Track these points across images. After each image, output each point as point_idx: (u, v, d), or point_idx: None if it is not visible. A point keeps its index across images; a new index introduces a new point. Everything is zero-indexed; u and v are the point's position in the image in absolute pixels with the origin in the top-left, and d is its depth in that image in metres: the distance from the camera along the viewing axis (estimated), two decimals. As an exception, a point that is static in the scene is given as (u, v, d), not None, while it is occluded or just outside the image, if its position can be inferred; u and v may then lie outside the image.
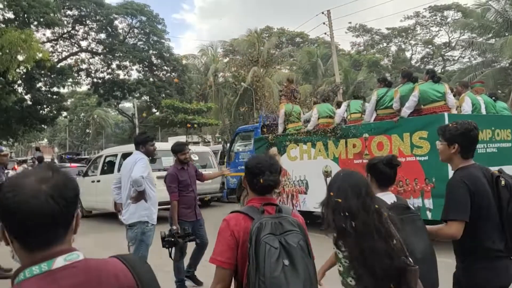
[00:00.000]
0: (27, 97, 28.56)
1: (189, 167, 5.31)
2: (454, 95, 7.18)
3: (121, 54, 27.84)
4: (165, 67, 29.05)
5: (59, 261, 0.99)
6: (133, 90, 30.77)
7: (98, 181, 11.45)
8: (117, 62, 29.91)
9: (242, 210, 1.99)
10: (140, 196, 4.45)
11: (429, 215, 6.32)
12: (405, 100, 6.91)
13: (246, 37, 39.19)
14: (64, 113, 31.04)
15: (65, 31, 28.91)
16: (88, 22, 28.16)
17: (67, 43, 30.41)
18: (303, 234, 1.84)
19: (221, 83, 41.97)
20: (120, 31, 28.49)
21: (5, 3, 19.25)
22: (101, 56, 29.90)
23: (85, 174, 12.42)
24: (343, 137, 7.64)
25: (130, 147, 10.56)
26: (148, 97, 30.46)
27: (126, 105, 61.93)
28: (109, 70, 30.48)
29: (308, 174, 8.35)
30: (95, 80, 30.81)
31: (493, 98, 7.98)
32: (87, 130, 70.83)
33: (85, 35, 29.16)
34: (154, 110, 34.49)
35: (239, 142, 11.75)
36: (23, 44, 13.72)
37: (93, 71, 30.66)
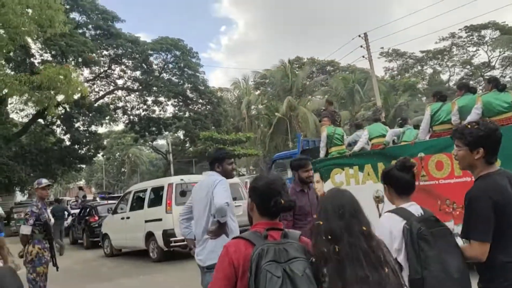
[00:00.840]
0: (66, 137, 28.87)
1: (309, 190, 4.34)
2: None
3: (157, 89, 27.86)
4: (200, 100, 28.82)
5: None
6: (169, 125, 30.60)
7: (128, 217, 11.09)
8: (153, 98, 30.00)
9: (244, 236, 1.85)
10: (221, 229, 3.40)
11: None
12: (464, 112, 6.38)
13: (278, 67, 38.99)
14: (101, 152, 31.14)
15: (102, 70, 29.38)
16: (124, 60, 28.51)
17: (103, 82, 30.88)
18: (310, 261, 1.71)
19: (254, 115, 41.65)
20: (155, 67, 28.67)
21: (43, 44, 19.61)
22: (137, 93, 30.09)
23: (114, 211, 12.08)
24: (395, 158, 6.54)
25: (159, 181, 11.57)
26: (184, 131, 30.19)
27: (160, 142, 62.68)
28: (145, 107, 30.60)
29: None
30: (131, 117, 30.94)
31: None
32: (123, 169, 71.74)
33: (121, 73, 29.51)
34: (187, 145, 34.26)
35: (277, 171, 10.85)
36: (63, 80, 13.52)
37: (129, 109, 30.86)
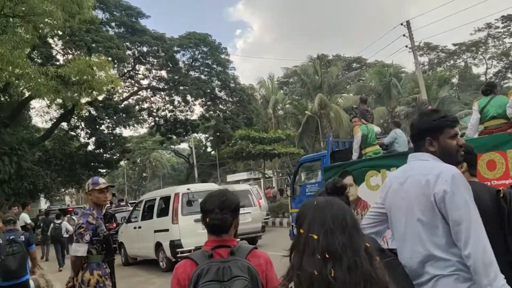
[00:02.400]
0: (90, 141, 27.72)
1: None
2: None
3: (185, 88, 26.38)
4: (231, 98, 27.19)
5: None
6: (196, 126, 29.13)
7: (139, 227, 10.93)
8: (179, 99, 28.57)
9: (190, 256, 1.87)
10: None
11: None
12: None
13: (307, 64, 37.30)
14: (127, 156, 29.90)
15: (126, 71, 28.12)
16: (148, 59, 27.18)
17: (127, 84, 29.60)
18: (252, 279, 1.71)
19: (281, 115, 40.01)
20: (182, 64, 27.18)
21: (68, 39, 18.36)
22: (163, 93, 28.74)
23: (128, 220, 11.85)
24: None
25: (167, 190, 11.48)
26: (213, 131, 28.68)
27: (181, 146, 61.72)
28: (171, 107, 29.15)
29: None
30: (157, 119, 29.58)
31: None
32: (144, 174, 70.99)
33: (146, 72, 28.19)
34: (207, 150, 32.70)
35: (304, 174, 10.78)
36: (93, 72, 12.08)
37: (154, 110, 29.48)
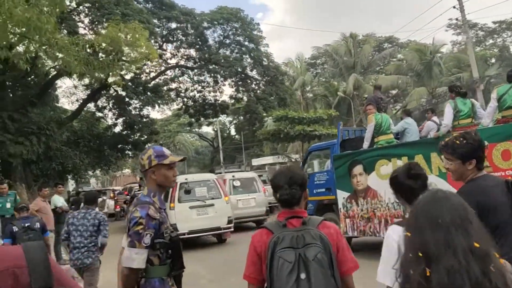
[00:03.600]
0: (119, 121, 26.97)
1: None
2: None
3: (214, 67, 25.13)
4: (263, 78, 25.75)
5: None
6: (226, 107, 27.95)
7: None
8: (209, 79, 27.39)
9: (266, 225, 1.99)
10: None
11: None
12: None
13: (339, 42, 35.57)
14: (155, 137, 29.09)
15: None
16: (177, 36, 25.98)
17: (154, 63, 28.55)
18: (324, 247, 1.80)
19: (310, 97, 38.48)
20: (211, 41, 25.87)
21: (96, 13, 17.32)
22: (192, 72, 27.61)
23: None
24: None
25: None
26: (243, 113, 27.47)
27: (204, 130, 60.97)
28: (200, 88, 28.02)
29: None
30: (185, 99, 28.53)
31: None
32: (168, 157, 70.71)
33: (175, 51, 27.04)
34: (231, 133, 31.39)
35: (315, 162, 11.00)
36: (129, 40, 10.94)
37: (182, 90, 28.41)
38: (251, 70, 26.01)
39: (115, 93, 26.31)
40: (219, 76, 26.45)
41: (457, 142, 2.24)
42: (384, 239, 2.00)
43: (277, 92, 24.56)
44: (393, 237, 1.87)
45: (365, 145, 7.89)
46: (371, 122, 7.80)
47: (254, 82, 26.26)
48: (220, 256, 9.67)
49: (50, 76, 21.76)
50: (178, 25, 24.61)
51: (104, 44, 11.02)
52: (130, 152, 27.28)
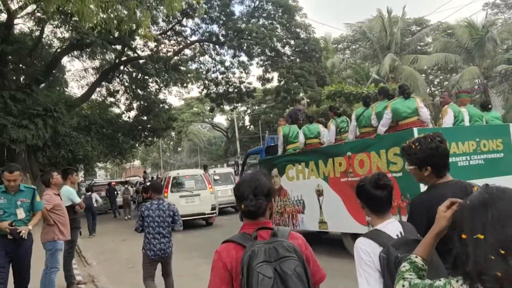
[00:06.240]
0: (134, 105, 24.28)
1: None
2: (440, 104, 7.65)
3: (240, 45, 22.16)
4: (299, 55, 22.66)
5: None
6: (253, 90, 25.04)
7: None
8: (232, 59, 24.47)
9: (233, 239, 1.82)
10: None
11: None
12: (381, 117, 6.81)
13: (374, 19, 32.51)
14: (173, 124, 26.36)
15: (170, 26, 24.14)
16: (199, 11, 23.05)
17: (172, 42, 25.66)
18: (300, 259, 1.72)
19: (339, 80, 35.50)
20: (239, 14, 22.87)
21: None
22: (213, 52, 24.71)
23: None
24: (331, 155, 7.65)
25: (168, 173, 15.56)
26: (274, 94, 24.52)
27: (215, 120, 58.32)
28: (223, 69, 25.12)
29: (304, 193, 8.34)
30: (206, 82, 25.67)
31: (489, 106, 7.85)
32: (179, 149, 68.22)
33: (195, 27, 24.15)
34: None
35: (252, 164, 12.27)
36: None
37: (203, 71, 25.54)
38: (283, 47, 22.98)
39: (130, 72, 23.58)
40: (243, 54, 23.45)
41: (413, 146, 2.20)
42: (354, 252, 1.97)
43: (315, 69, 21.57)
44: (366, 249, 1.90)
45: (279, 151, 9.24)
46: (279, 133, 9.08)
47: (287, 60, 23.19)
48: (206, 234, 12.26)
49: (56, 50, 19.12)
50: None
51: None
52: (146, 140, 24.60)
